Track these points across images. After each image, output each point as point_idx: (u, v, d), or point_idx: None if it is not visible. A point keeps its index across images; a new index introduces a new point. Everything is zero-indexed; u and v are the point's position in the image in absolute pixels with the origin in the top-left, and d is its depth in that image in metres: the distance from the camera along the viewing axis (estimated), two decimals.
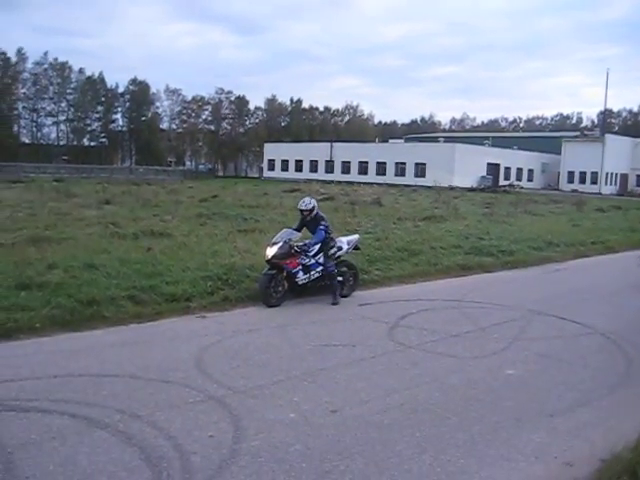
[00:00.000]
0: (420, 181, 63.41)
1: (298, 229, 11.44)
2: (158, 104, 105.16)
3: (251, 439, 5.41)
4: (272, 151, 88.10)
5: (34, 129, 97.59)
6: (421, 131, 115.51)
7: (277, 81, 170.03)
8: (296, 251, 10.97)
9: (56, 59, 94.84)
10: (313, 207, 11.27)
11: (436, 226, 21.46)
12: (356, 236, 12.88)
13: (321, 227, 11.15)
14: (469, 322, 10.08)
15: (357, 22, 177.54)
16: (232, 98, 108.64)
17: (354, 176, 72.52)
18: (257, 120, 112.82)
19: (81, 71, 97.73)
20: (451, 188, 54.44)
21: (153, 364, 7.31)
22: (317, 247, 11.23)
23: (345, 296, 11.46)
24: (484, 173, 69.66)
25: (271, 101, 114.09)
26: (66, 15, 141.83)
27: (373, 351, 8.20)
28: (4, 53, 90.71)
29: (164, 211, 22.80)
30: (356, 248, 12.52)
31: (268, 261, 10.86)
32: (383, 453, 5.29)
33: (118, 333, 8.71)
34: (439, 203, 33.21)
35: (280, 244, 10.87)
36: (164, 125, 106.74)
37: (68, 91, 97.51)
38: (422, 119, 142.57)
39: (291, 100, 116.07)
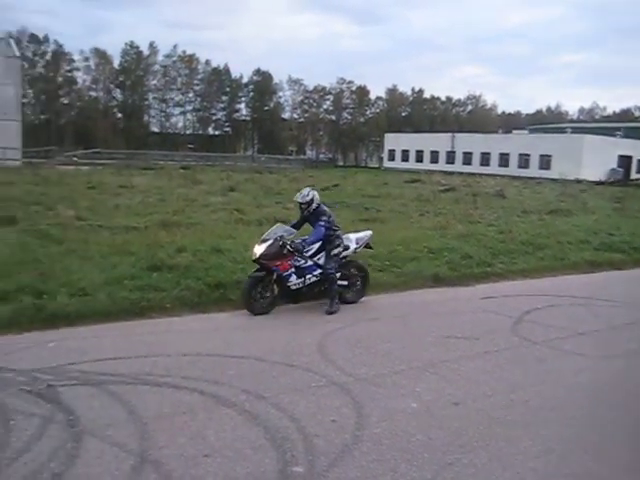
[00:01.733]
0: (545, 173, 61.26)
1: (296, 225, 9.98)
2: (280, 94, 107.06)
3: (373, 426, 5.43)
4: (392, 141, 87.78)
5: (162, 119, 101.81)
6: (546, 121, 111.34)
7: (398, 71, 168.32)
8: (289, 250, 9.33)
9: (184, 52, 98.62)
10: (311, 199, 9.65)
11: (562, 220, 20.69)
12: (368, 232, 10.91)
13: (321, 223, 9.53)
14: (598, 320, 9.66)
15: (481, 9, 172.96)
16: (353, 88, 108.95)
17: (476, 167, 71.08)
18: (378, 110, 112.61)
19: (207, 63, 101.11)
20: (578, 181, 52.22)
21: (277, 348, 7.47)
22: (316, 246, 9.66)
23: (351, 302, 9.97)
24: (614, 166, 66.50)
25: (392, 91, 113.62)
26: (194, 9, 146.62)
27: (496, 345, 8.03)
28: (137, 47, 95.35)
29: (286, 199, 23.15)
30: (367, 247, 10.77)
31: (256, 261, 9.38)
32: (507, 449, 5.18)
33: (246, 316, 8.98)
34: (565, 196, 31.97)
35: (270, 242, 9.32)
36: (286, 114, 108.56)
37: (195, 82, 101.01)
38: (548, 109, 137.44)
39: (412, 90, 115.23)
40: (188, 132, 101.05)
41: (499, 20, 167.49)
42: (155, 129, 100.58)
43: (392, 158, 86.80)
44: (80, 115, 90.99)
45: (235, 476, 4.56)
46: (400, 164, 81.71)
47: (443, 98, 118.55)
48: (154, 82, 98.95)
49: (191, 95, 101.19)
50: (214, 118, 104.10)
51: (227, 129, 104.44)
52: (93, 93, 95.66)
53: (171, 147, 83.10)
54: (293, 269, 9.39)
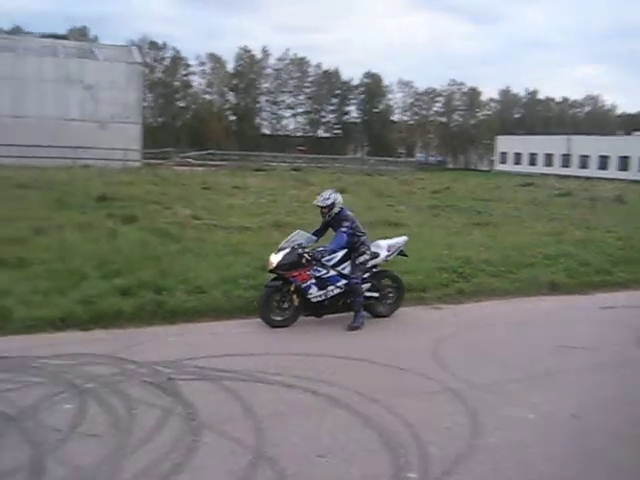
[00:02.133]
0: None
1: (319, 232, 9.11)
2: (390, 96, 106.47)
3: (488, 435, 5.31)
4: (504, 144, 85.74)
5: (274, 121, 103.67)
6: None
7: (511, 71, 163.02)
8: (307, 260, 8.53)
9: (296, 55, 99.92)
10: (332, 203, 8.72)
11: None
12: (402, 239, 9.79)
13: (342, 229, 8.60)
14: None
15: (603, 3, 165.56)
16: (464, 90, 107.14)
17: (593, 171, 68.17)
18: (489, 112, 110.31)
19: (318, 65, 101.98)
20: None
21: (390, 351, 7.46)
22: (339, 255, 8.78)
23: (383, 316, 9.11)
24: None
25: (505, 92, 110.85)
26: (306, 13, 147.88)
27: (618, 357, 7.68)
28: (250, 51, 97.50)
29: (397, 201, 23.07)
30: (401, 254, 9.69)
31: (272, 271, 8.66)
32: (630, 467, 4.94)
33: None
34: None
35: (287, 250, 8.56)
36: (395, 117, 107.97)
37: (306, 85, 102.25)
38: None
39: (526, 91, 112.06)
40: (298, 134, 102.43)
41: (622, 15, 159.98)
42: (266, 131, 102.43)
43: (504, 161, 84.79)
44: (195, 117, 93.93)
45: (349, 478, 4.59)
46: (512, 167, 79.62)
47: (558, 99, 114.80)
48: (266, 85, 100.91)
49: (302, 97, 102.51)
50: (324, 120, 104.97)
51: (337, 131, 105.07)
52: (207, 96, 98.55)
53: (282, 149, 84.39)
54: (313, 280, 8.55)
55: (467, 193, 29.42)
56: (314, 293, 8.54)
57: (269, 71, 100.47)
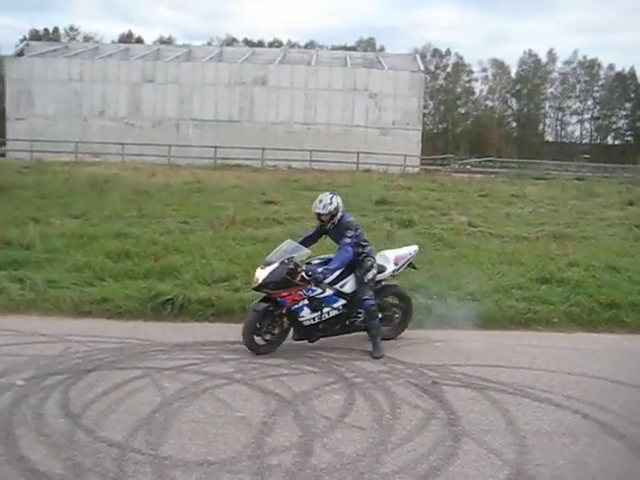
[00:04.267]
0: None
1: (306, 241, 7.53)
2: None
3: None
4: None
5: (558, 127, 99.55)
6: None
7: None
8: (303, 279, 6.98)
9: (585, 57, 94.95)
10: (335, 209, 7.24)
11: None
12: (412, 248, 8.15)
13: (347, 240, 7.10)
14: None
15: None
16: None
17: None
18: None
19: (610, 67, 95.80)
20: None
21: None
22: (338, 270, 7.24)
23: (388, 338, 7.58)
24: None
25: None
26: (598, 12, 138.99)
27: None
28: (535, 55, 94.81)
29: None
30: (411, 266, 8.14)
31: (257, 289, 7.15)
32: None
33: (638, 341, 8.32)
34: None
35: (275, 265, 7.00)
36: None
37: (595, 89, 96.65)
38: None
39: None
40: (584, 142, 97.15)
41: None
42: (550, 138, 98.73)
43: None
44: (475, 124, 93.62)
45: None
46: None
47: None
48: (551, 90, 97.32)
49: (590, 103, 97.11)
50: (614, 127, 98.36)
51: (628, 138, 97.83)
52: (489, 102, 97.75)
53: (565, 157, 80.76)
54: (305, 301, 7.09)
55: None
56: (306, 315, 7.13)
57: (555, 75, 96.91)
